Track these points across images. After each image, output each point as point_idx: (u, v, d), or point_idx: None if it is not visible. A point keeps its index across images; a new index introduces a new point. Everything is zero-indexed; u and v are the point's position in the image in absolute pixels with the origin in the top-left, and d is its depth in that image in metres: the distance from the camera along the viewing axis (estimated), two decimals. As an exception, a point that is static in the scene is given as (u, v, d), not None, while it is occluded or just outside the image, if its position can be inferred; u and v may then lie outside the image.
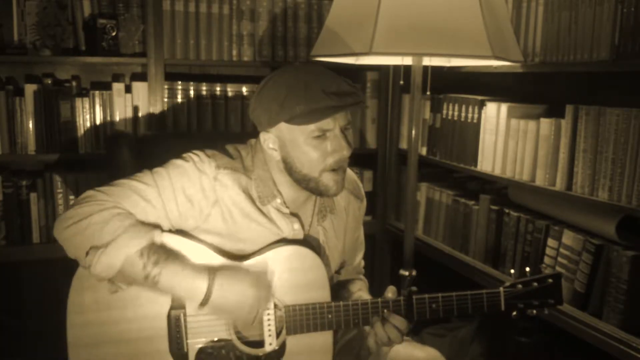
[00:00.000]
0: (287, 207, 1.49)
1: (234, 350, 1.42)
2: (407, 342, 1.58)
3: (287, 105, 1.35)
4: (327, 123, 1.37)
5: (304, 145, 1.38)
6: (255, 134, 1.49)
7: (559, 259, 1.90)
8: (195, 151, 1.45)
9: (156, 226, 1.36)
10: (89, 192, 1.36)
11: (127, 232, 1.29)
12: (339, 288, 1.67)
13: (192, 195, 1.39)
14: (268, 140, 1.43)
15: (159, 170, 1.41)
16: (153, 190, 1.37)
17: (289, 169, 1.43)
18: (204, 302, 1.33)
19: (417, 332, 2.43)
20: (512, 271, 1.53)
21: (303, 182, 1.43)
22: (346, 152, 1.41)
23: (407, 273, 1.96)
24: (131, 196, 1.35)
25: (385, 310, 1.45)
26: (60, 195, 2.40)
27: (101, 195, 1.34)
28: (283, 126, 1.39)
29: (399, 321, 1.44)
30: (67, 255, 1.34)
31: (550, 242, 1.94)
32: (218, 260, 1.41)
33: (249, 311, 1.35)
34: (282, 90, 1.37)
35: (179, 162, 1.43)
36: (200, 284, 1.32)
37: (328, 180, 1.42)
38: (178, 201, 1.38)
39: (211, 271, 1.34)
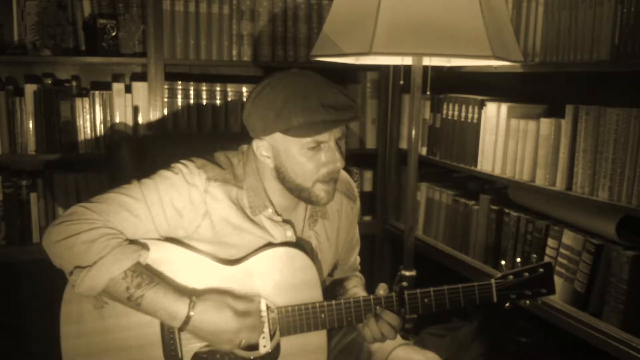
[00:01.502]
0: (279, 215, 1.48)
1: (228, 355, 1.41)
2: (407, 346, 1.58)
3: (284, 115, 1.33)
4: (323, 135, 1.36)
5: (299, 155, 1.38)
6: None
7: (559, 259, 1.90)
8: (184, 161, 1.43)
9: (143, 245, 1.35)
10: (78, 209, 1.34)
11: (112, 253, 1.28)
12: (334, 285, 1.67)
13: (181, 208, 1.38)
14: (261, 147, 1.41)
15: (147, 182, 1.39)
16: (141, 205, 1.36)
17: (282, 177, 1.42)
18: (182, 327, 1.33)
19: (417, 332, 2.43)
20: (503, 262, 1.51)
21: (295, 191, 1.43)
22: (339, 164, 1.40)
23: (405, 273, 1.97)
24: (120, 212, 1.34)
25: (377, 307, 1.45)
26: (60, 196, 2.40)
27: (89, 213, 1.32)
28: (278, 135, 1.37)
29: (391, 317, 1.44)
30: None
31: (550, 242, 1.94)
32: (212, 267, 1.41)
33: (229, 339, 1.35)
34: (279, 99, 1.35)
35: (167, 173, 1.40)
36: (180, 309, 1.31)
37: (320, 190, 1.41)
38: (167, 215, 1.37)
39: (194, 296, 1.34)
